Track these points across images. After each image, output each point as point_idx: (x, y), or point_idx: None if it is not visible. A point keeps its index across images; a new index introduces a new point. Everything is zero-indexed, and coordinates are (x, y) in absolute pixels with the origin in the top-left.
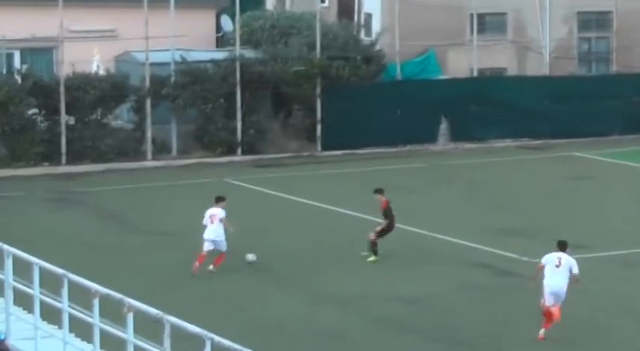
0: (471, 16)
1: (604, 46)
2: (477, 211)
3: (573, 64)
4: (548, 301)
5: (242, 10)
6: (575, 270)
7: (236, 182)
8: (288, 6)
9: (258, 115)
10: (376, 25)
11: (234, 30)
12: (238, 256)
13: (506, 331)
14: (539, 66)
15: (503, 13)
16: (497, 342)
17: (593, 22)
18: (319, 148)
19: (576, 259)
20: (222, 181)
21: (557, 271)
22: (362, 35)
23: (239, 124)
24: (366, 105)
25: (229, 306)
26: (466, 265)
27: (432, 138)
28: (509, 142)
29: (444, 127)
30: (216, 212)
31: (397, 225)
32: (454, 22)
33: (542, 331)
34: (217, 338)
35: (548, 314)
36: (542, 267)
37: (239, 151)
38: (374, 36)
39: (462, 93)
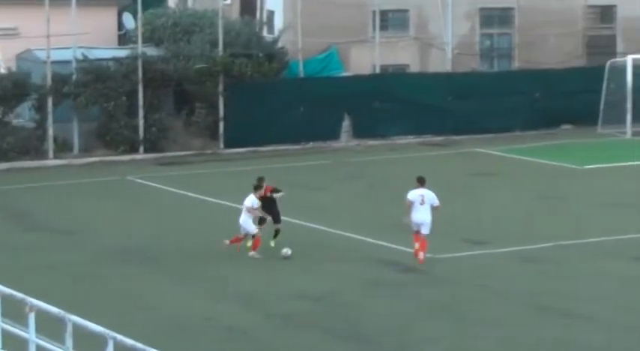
0: (374, 12)
1: (506, 43)
2: (380, 208)
3: (475, 61)
4: (416, 227)
5: (144, 8)
6: (436, 203)
7: (139, 180)
8: (190, 3)
9: (161, 112)
10: (279, 22)
11: (137, 28)
12: (140, 254)
13: (410, 327)
14: (441, 62)
15: (406, 10)
16: (402, 338)
17: (496, 18)
18: (222, 145)
19: (478, 255)
20: (124, 179)
21: (421, 208)
22: (264, 32)
23: (141, 122)
24: (268, 102)
25: (131, 305)
26: (370, 262)
27: (334, 135)
28: (411, 139)
29: (346, 124)
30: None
31: (302, 222)
32: (357, 19)
33: (421, 255)
34: (120, 337)
35: (417, 238)
36: (411, 203)
37: (141, 149)
38: (276, 33)
39: (365, 90)
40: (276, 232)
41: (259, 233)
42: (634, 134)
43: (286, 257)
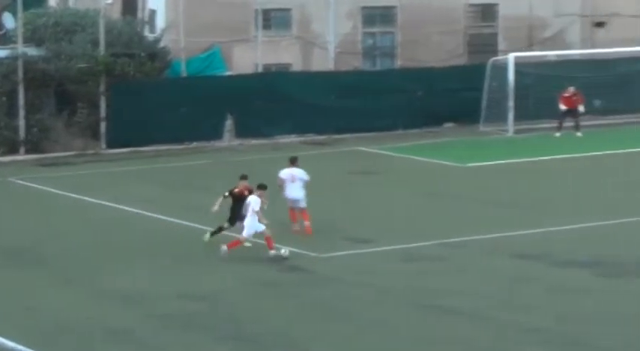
0: (256, 11)
1: (389, 41)
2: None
3: (358, 59)
4: (291, 204)
5: (25, 8)
6: (306, 178)
7: (20, 182)
8: (71, 3)
9: (42, 113)
10: (161, 22)
11: (17, 27)
12: (22, 255)
13: (294, 327)
14: (324, 61)
15: (289, 9)
16: (286, 337)
17: (378, 17)
18: (104, 145)
19: (362, 254)
20: (5, 180)
21: (293, 186)
22: (146, 32)
23: (22, 123)
24: (151, 102)
25: (12, 306)
26: (254, 261)
27: (217, 135)
28: (294, 138)
29: (229, 123)
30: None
31: (185, 222)
32: (239, 18)
33: (307, 224)
34: (1, 339)
35: (292, 214)
36: (282, 181)
37: (22, 150)
38: (158, 32)
39: (248, 89)
40: (220, 230)
41: (268, 231)
42: (516, 132)
43: (284, 257)
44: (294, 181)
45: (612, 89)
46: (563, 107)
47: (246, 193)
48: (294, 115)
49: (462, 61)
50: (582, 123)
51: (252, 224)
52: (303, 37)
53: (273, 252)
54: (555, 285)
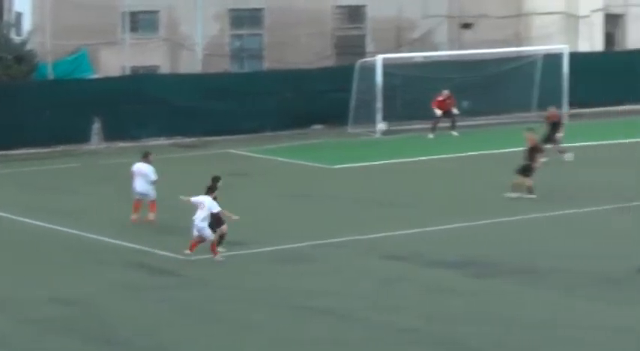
0: (123, 14)
1: (256, 43)
2: (130, 211)
3: (226, 62)
4: (138, 196)
5: None
6: (152, 177)
7: None
8: None
9: None
10: (27, 24)
11: None
12: None
13: (164, 330)
14: (192, 63)
15: (156, 11)
16: (156, 340)
17: (246, 19)
18: None
19: (234, 256)
20: None
21: (140, 179)
22: (13, 34)
23: None
24: (18, 105)
25: None
26: (124, 265)
27: (85, 138)
28: (163, 141)
29: (97, 126)
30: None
31: (53, 226)
32: (106, 21)
33: (151, 215)
34: None
35: (136, 205)
36: (132, 174)
37: None
38: (25, 35)
39: (115, 92)
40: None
41: (215, 238)
42: (384, 133)
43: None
44: (141, 176)
45: (481, 90)
46: (438, 111)
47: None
48: (163, 118)
49: (330, 62)
50: (445, 124)
51: (205, 228)
52: (171, 40)
53: (217, 257)
54: (427, 285)
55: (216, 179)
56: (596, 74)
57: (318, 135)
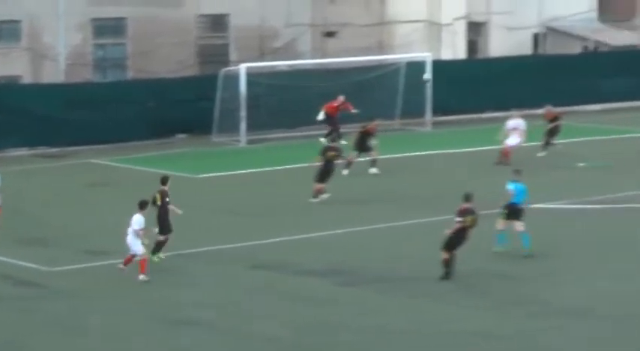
0: None
1: (120, 53)
2: None
3: (89, 71)
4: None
5: None
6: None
7: None
8: None
9: None
10: None
11: None
12: None
13: (27, 342)
14: (55, 73)
15: (18, 21)
16: None
17: (109, 28)
18: None
19: (98, 266)
20: None
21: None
22: None
23: None
24: None
25: None
26: None
27: None
28: (24, 151)
29: None
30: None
31: None
32: None
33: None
34: None
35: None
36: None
37: None
38: None
39: None
40: (162, 243)
41: (146, 254)
42: (248, 142)
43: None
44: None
45: (345, 98)
46: (323, 115)
47: (167, 199)
48: (24, 128)
49: (193, 71)
50: (310, 132)
51: (135, 243)
52: (34, 49)
53: (142, 277)
54: (293, 294)
55: (164, 180)
56: (459, 82)
57: (182, 144)
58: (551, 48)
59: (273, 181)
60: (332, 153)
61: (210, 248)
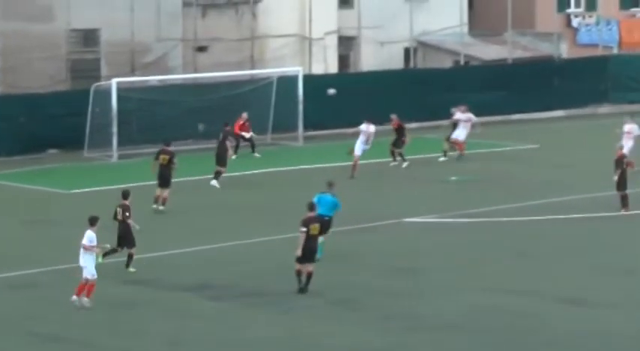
0: None
1: None
2: None
3: None
4: None
5: None
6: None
7: None
8: None
9: None
10: None
11: None
12: None
13: None
14: None
15: None
16: None
17: None
18: None
19: None
20: None
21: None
22: None
23: None
24: None
25: None
26: None
27: None
28: None
29: None
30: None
31: None
32: None
33: None
34: None
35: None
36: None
37: None
38: None
39: None
40: (130, 257)
41: (95, 279)
42: (120, 158)
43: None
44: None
45: (217, 113)
46: (245, 134)
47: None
48: None
49: (65, 86)
50: (185, 147)
51: (89, 263)
52: None
53: (86, 300)
54: (166, 309)
55: (125, 194)
56: (331, 96)
57: (54, 160)
58: (423, 62)
59: (145, 196)
60: (164, 156)
61: (75, 265)
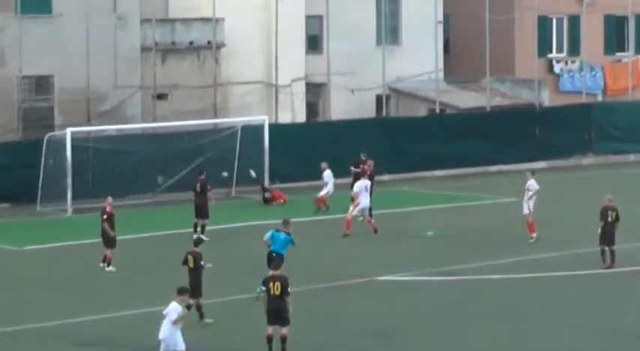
0: None
1: None
2: None
3: None
4: None
5: None
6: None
7: None
8: None
9: None
10: None
11: None
12: None
13: None
14: None
15: None
16: None
17: None
18: None
19: None
20: None
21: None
22: None
23: None
24: None
25: None
26: None
27: None
28: None
29: None
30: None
31: None
32: None
33: None
34: None
35: None
36: None
37: None
38: None
39: None
40: (199, 308)
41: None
42: (75, 212)
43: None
44: None
45: (178, 164)
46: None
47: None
48: None
49: (17, 136)
50: (145, 201)
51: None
52: None
53: None
54: None
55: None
56: (298, 146)
57: (5, 214)
58: (396, 110)
59: (102, 253)
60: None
61: (33, 325)
